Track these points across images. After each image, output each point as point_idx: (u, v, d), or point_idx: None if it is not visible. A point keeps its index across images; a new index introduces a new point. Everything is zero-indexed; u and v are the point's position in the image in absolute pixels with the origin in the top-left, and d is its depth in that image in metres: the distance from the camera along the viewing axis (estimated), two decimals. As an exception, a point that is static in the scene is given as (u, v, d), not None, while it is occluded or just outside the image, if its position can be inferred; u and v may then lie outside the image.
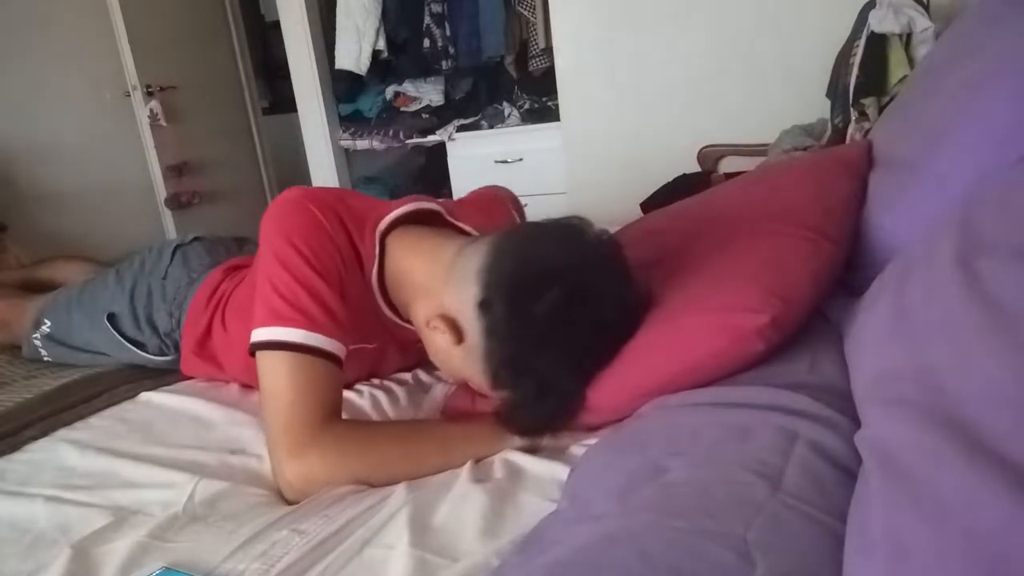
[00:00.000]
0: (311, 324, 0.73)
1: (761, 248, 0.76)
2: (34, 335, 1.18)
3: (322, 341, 0.73)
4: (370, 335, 0.88)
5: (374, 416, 0.89)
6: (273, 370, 0.72)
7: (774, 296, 0.66)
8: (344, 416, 0.83)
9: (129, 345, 1.10)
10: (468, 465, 0.71)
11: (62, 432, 0.91)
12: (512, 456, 0.72)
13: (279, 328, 0.73)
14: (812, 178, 0.91)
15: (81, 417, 0.94)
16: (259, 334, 0.74)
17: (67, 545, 0.63)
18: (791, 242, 0.76)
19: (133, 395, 1.01)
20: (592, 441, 0.71)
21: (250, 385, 0.99)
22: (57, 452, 0.85)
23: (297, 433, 0.70)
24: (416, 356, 0.98)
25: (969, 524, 0.32)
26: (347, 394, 0.93)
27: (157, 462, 0.79)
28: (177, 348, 1.08)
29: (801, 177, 0.94)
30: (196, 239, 1.18)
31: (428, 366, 1.03)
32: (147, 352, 1.10)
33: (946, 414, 0.39)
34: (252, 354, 0.74)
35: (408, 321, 0.85)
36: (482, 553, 0.56)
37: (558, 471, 0.67)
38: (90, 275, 1.30)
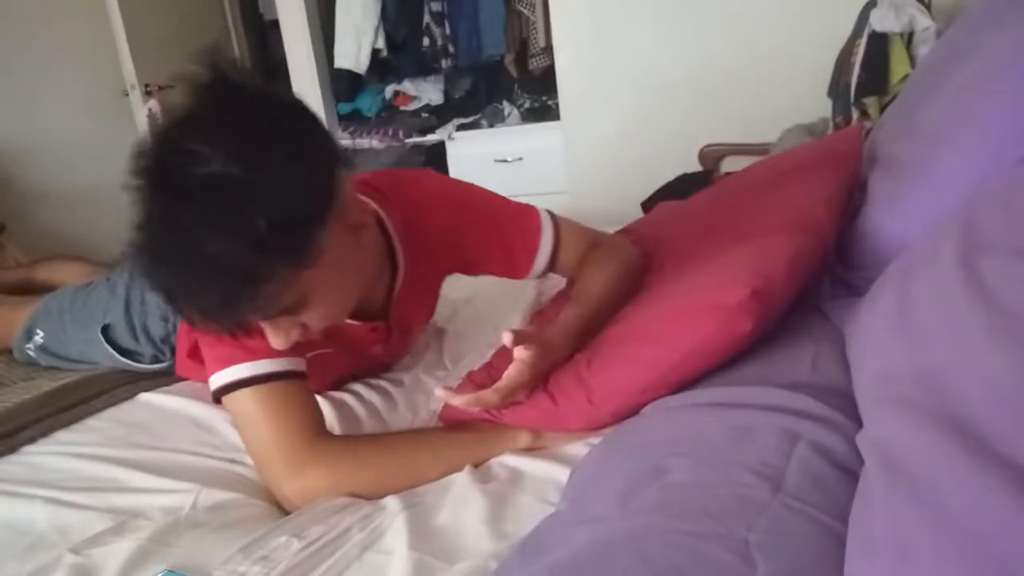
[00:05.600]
0: (251, 354, 0.71)
1: (736, 246, 0.78)
2: (27, 345, 1.17)
3: (270, 364, 0.72)
4: (320, 342, 0.84)
5: (369, 422, 0.88)
6: (242, 409, 0.72)
7: (751, 272, 0.67)
8: (341, 421, 0.82)
9: (123, 359, 1.09)
10: (467, 467, 0.71)
11: (60, 434, 0.91)
12: (511, 458, 0.72)
13: (226, 370, 0.72)
14: (794, 180, 0.92)
15: (79, 419, 0.94)
16: (213, 382, 0.73)
17: (67, 548, 0.63)
18: (766, 239, 0.77)
19: (131, 396, 1.00)
20: (594, 441, 0.70)
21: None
22: (56, 454, 0.85)
23: (288, 454, 0.69)
24: (383, 353, 0.96)
25: (972, 525, 0.32)
26: (343, 397, 0.92)
27: (156, 466, 0.78)
28: (173, 353, 1.08)
29: (780, 182, 0.95)
30: None
31: (423, 366, 1.02)
32: (143, 362, 1.09)
33: (948, 414, 0.39)
34: (218, 401, 0.74)
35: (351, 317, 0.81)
36: (481, 556, 0.56)
37: (558, 473, 0.67)
38: (85, 278, 1.28)
